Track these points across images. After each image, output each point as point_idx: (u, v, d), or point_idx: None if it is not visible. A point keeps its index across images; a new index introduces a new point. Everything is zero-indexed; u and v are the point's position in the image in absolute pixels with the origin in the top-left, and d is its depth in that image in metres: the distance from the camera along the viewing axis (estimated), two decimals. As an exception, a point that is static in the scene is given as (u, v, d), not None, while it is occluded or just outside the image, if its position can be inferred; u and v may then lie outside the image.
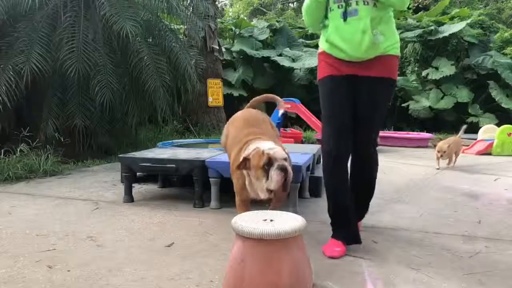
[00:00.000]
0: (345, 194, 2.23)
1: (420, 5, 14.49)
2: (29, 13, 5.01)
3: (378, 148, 2.36)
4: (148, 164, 3.24)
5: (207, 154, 3.40)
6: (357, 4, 2.05)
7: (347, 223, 2.22)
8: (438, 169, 4.97)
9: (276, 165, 1.95)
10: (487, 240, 2.43)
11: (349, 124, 2.17)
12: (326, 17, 2.20)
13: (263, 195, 2.07)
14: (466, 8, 12.67)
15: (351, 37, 2.07)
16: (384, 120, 2.34)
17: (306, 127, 8.11)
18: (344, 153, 2.19)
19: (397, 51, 2.18)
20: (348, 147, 2.19)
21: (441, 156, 4.89)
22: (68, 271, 1.93)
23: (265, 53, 10.65)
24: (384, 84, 2.17)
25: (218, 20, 9.73)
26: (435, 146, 5.07)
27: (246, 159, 2.08)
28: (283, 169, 1.95)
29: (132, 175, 3.34)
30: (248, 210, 2.14)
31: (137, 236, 2.45)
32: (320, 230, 2.53)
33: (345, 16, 2.08)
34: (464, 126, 5.69)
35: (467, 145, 7.40)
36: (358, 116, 2.18)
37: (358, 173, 2.32)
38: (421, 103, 10.08)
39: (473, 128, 9.10)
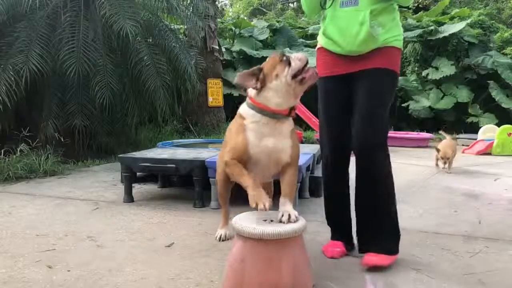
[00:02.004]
0: (342, 197, 2.20)
1: (420, 5, 14.48)
2: (29, 13, 5.00)
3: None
4: (148, 164, 3.24)
5: (207, 154, 3.40)
6: None
7: (344, 226, 2.21)
8: (442, 164, 4.88)
9: (294, 55, 1.76)
10: (487, 240, 2.43)
11: (346, 127, 2.08)
12: (325, 8, 2.08)
13: (288, 96, 1.74)
14: (466, 8, 12.67)
15: (347, 28, 1.95)
16: (388, 121, 2.06)
17: (306, 127, 8.11)
18: (341, 157, 2.13)
19: (399, 44, 2.03)
20: (345, 151, 2.12)
21: (445, 163, 4.79)
22: (68, 271, 1.93)
23: (265, 53, 10.62)
24: (385, 76, 1.99)
25: (218, 20, 9.73)
26: (437, 150, 4.86)
27: (258, 69, 1.77)
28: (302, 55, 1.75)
29: (132, 175, 3.34)
30: (244, 174, 1.77)
31: (137, 236, 2.45)
32: (320, 230, 2.53)
33: (343, 4, 1.96)
34: (443, 129, 5.62)
35: (467, 145, 7.40)
36: (358, 115, 2.01)
37: (363, 187, 2.06)
38: (421, 103, 10.08)
39: (473, 128, 9.11)
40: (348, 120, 2.09)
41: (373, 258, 1.95)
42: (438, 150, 4.86)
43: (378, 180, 2.02)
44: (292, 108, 1.80)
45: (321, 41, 2.16)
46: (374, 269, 1.92)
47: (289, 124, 1.83)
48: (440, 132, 5.57)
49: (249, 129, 1.77)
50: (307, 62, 1.73)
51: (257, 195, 1.66)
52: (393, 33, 2.00)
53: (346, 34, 1.96)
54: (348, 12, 1.96)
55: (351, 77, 2.04)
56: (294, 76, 1.70)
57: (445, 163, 4.79)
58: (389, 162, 2.04)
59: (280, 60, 1.73)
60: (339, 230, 2.22)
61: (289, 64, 1.71)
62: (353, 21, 1.93)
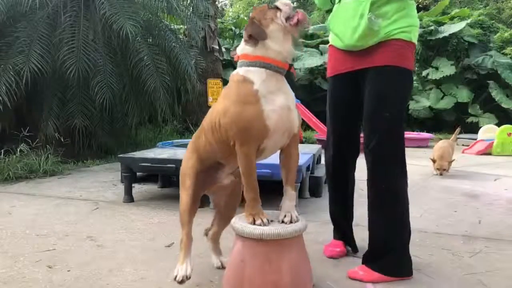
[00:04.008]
0: (342, 198, 2.14)
1: (420, 5, 14.48)
2: (29, 13, 5.01)
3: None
4: (148, 164, 3.24)
5: (207, 154, 3.39)
6: None
7: (344, 227, 2.18)
8: (436, 174, 4.72)
9: (278, 1, 1.60)
10: (487, 240, 2.43)
11: (351, 127, 2.02)
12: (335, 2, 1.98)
13: (286, 41, 1.56)
14: (466, 8, 12.67)
15: (348, 21, 1.85)
16: (397, 123, 1.84)
17: (306, 127, 8.11)
18: (343, 158, 2.06)
19: (407, 36, 1.82)
20: (348, 152, 2.05)
21: (441, 174, 4.63)
22: (68, 271, 1.93)
23: (265, 53, 10.62)
24: (391, 74, 1.82)
25: (218, 20, 9.73)
26: (433, 161, 4.70)
27: (250, 20, 1.57)
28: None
29: (132, 175, 3.34)
30: (255, 180, 1.58)
31: (137, 236, 2.46)
32: (320, 230, 2.53)
33: None
34: (458, 129, 5.48)
35: (467, 145, 7.41)
36: (363, 118, 1.89)
37: (369, 198, 1.91)
38: (421, 103, 10.09)
39: (473, 128, 9.12)
40: (354, 121, 2.00)
41: (360, 272, 1.86)
42: (433, 161, 4.69)
43: (379, 188, 1.87)
44: (291, 65, 1.65)
45: (330, 37, 2.07)
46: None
47: (287, 84, 1.64)
48: (457, 130, 5.41)
49: (262, 96, 1.51)
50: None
51: (257, 211, 1.58)
52: (400, 24, 1.81)
53: (347, 28, 1.86)
54: (350, 4, 1.85)
55: (357, 76, 1.91)
56: (287, 20, 1.56)
57: (441, 174, 4.64)
58: (396, 169, 1.84)
59: (269, 7, 1.59)
60: (340, 230, 2.20)
61: (278, 9, 1.58)
62: (354, 13, 1.82)
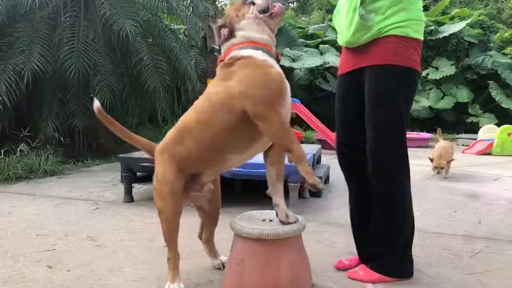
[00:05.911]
0: (356, 204, 1.99)
1: (420, 5, 14.46)
2: (29, 13, 5.01)
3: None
4: (148, 164, 3.24)
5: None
6: None
7: (358, 237, 2.00)
8: (436, 173, 4.67)
9: None
10: (487, 240, 2.43)
11: (355, 129, 1.89)
12: None
13: (262, 29, 1.61)
14: (466, 8, 12.67)
15: (346, 16, 1.80)
16: (398, 125, 1.78)
17: (306, 127, 8.11)
18: (349, 158, 1.96)
19: (403, 31, 1.72)
20: (352, 152, 1.93)
21: (438, 173, 4.59)
22: (68, 271, 1.93)
23: (265, 53, 10.62)
24: (387, 73, 1.74)
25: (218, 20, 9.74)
26: (431, 160, 4.66)
27: (222, 20, 1.65)
28: None
29: (132, 175, 3.34)
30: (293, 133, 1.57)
31: (137, 236, 2.46)
32: (320, 230, 2.53)
33: None
34: (439, 129, 5.46)
35: (467, 145, 7.41)
36: (365, 120, 1.82)
37: (373, 201, 1.87)
38: (421, 103, 10.09)
39: (473, 128, 9.12)
40: (357, 121, 1.88)
41: (360, 272, 1.85)
42: (431, 160, 4.65)
43: (380, 189, 1.82)
44: (278, 54, 1.67)
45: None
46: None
47: None
48: (438, 132, 5.41)
49: (273, 63, 1.54)
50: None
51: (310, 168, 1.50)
52: (394, 19, 1.72)
53: (345, 23, 1.81)
54: None
55: (359, 75, 1.84)
56: (262, 12, 1.58)
57: (438, 172, 4.59)
58: (397, 171, 1.80)
59: (243, 3, 1.62)
60: (355, 239, 2.01)
61: (253, 3, 1.61)
62: (349, 8, 1.77)
